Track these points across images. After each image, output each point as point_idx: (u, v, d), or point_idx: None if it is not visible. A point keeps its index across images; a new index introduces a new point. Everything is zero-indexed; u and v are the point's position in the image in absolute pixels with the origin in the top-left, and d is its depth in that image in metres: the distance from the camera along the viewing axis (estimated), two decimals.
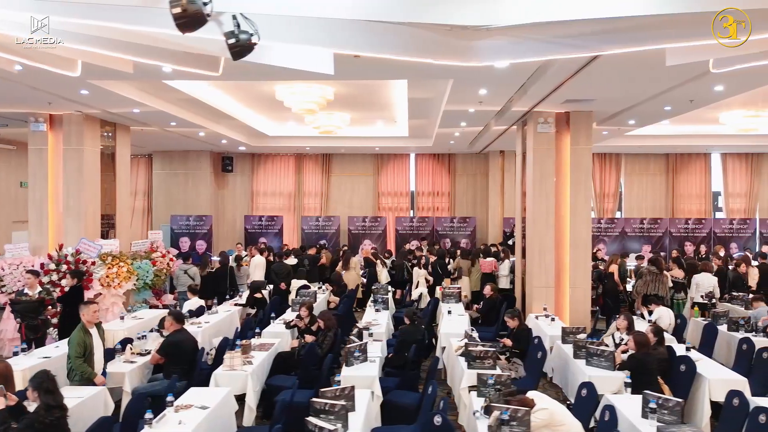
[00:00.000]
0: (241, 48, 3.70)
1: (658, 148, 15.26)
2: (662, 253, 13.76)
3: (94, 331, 5.46)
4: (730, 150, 15.55)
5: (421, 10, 4.24)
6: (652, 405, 4.32)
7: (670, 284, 9.59)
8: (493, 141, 13.28)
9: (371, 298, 9.54)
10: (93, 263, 9.03)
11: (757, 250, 13.72)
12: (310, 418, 3.86)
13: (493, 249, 12.77)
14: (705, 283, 9.34)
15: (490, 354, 5.78)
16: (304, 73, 5.51)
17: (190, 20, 3.04)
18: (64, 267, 8.71)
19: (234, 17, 3.71)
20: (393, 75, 6.75)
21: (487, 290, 9.68)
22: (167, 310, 7.40)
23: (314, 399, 4.26)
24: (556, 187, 9.04)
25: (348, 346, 5.92)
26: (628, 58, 5.37)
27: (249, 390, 5.60)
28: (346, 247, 14.27)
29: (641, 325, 7.86)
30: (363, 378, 5.58)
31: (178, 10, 2.95)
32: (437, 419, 4.06)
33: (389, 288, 11.17)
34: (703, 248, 13.70)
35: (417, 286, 11.64)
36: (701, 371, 5.68)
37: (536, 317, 8.50)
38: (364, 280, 12.42)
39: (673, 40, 4.38)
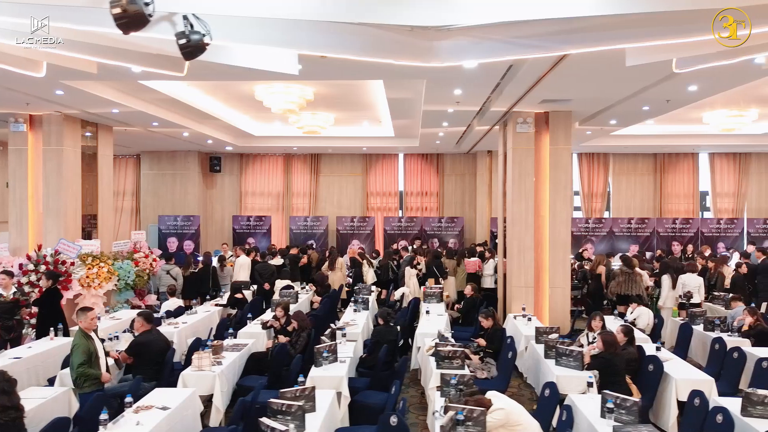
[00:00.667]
0: (192, 48, 3.70)
1: (646, 148, 15.27)
2: (649, 253, 13.77)
3: (93, 335, 5.48)
4: (717, 150, 15.57)
5: (382, 10, 4.24)
6: (610, 405, 4.33)
7: (650, 283, 9.61)
8: (479, 141, 13.29)
9: (352, 298, 9.53)
10: (72, 264, 9.02)
11: (743, 249, 13.73)
12: (264, 419, 3.86)
13: (479, 249, 12.78)
14: (691, 282, 9.38)
15: (458, 354, 5.78)
16: (269, 74, 5.51)
17: (131, 21, 3.03)
18: (43, 267, 8.70)
19: (185, 18, 3.71)
20: (360, 75, 6.75)
21: (468, 290, 9.69)
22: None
23: (271, 400, 4.25)
24: (535, 187, 9.05)
25: (317, 346, 5.92)
26: (595, 59, 5.37)
27: (216, 390, 5.59)
28: (334, 248, 14.27)
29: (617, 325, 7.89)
30: (331, 378, 5.58)
31: (117, 10, 2.95)
32: (393, 420, 4.06)
33: (372, 288, 11.18)
34: (689, 248, 13.69)
35: (405, 286, 11.64)
36: (669, 371, 5.68)
37: (514, 317, 8.51)
38: (350, 280, 12.42)
39: (632, 40, 4.38)
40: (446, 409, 4.21)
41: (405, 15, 4.26)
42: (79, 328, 5.44)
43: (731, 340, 7.16)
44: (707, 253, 12.80)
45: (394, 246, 14.54)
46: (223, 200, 16.72)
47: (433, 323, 8.09)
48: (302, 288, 11.23)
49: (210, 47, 5.01)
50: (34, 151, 9.62)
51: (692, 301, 9.32)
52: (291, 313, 7.36)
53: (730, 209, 15.91)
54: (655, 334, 8.13)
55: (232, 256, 12.85)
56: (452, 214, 16.32)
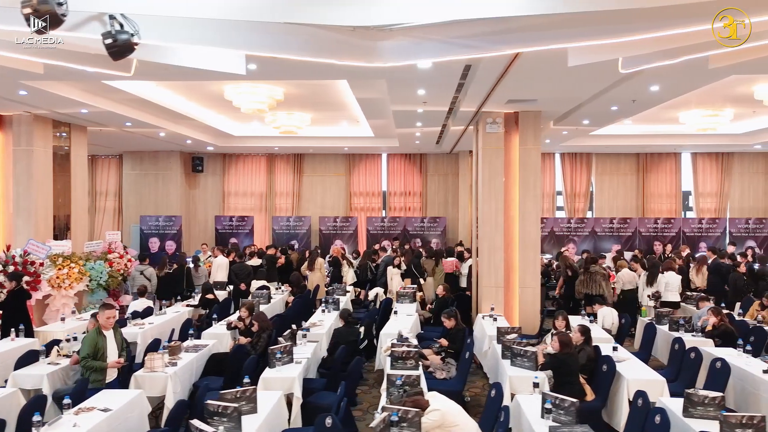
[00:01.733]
0: (119, 48, 3.68)
1: (629, 148, 15.27)
2: (629, 253, 13.75)
3: (110, 334, 5.44)
4: (700, 150, 15.58)
5: (324, 11, 4.23)
6: (548, 405, 4.32)
7: (624, 284, 9.61)
8: (458, 141, 13.28)
9: (322, 299, 9.52)
10: (41, 264, 8.99)
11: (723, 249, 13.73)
12: (194, 421, 3.84)
13: (458, 249, 12.77)
14: (674, 282, 9.41)
15: (412, 354, 5.77)
16: (217, 74, 5.49)
17: (43, 20, 3.01)
18: (11, 268, 8.66)
19: (113, 17, 3.69)
20: (311, 75, 6.72)
21: (440, 290, 9.68)
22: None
23: (208, 401, 4.24)
24: (505, 187, 9.03)
25: (271, 348, 5.90)
26: (544, 59, 5.36)
27: (168, 392, 5.58)
28: (317, 248, 14.24)
29: (594, 327, 7.87)
30: (283, 379, 5.57)
31: (28, 10, 2.93)
32: (327, 421, 4.04)
33: (348, 288, 11.17)
34: (668, 248, 13.69)
35: (382, 287, 11.62)
36: (622, 371, 5.67)
37: (483, 317, 8.50)
38: (329, 280, 12.40)
39: (573, 39, 4.37)
40: (383, 410, 4.19)
41: (347, 15, 4.25)
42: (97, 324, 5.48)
43: (694, 341, 7.16)
44: (685, 253, 12.80)
45: (376, 246, 14.52)
46: (206, 200, 16.69)
47: (400, 323, 8.07)
48: (277, 288, 11.21)
49: (157, 48, 5.01)
50: (4, 152, 9.59)
51: (670, 299, 9.37)
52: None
53: (712, 209, 15.92)
54: (622, 334, 8.15)
55: (210, 256, 12.84)
56: (435, 214, 16.32)
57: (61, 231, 10.47)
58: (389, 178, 16.65)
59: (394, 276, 11.45)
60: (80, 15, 3.88)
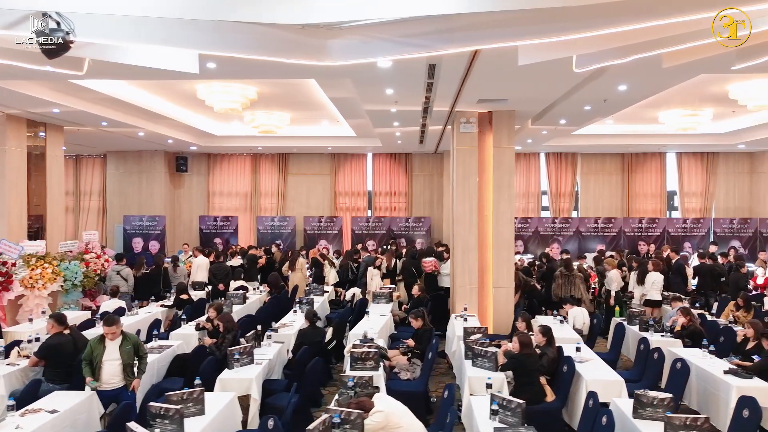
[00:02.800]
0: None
1: (614, 148, 15.24)
2: (609, 253, 13.72)
3: (113, 344, 5.15)
4: (685, 149, 15.55)
5: (271, 9, 4.20)
6: (494, 407, 4.28)
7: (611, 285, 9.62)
8: (440, 140, 13.24)
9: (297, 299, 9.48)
10: (13, 264, 8.95)
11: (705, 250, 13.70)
12: (130, 423, 3.80)
13: (439, 249, 12.73)
14: (659, 281, 9.42)
15: (371, 355, 5.73)
16: (170, 73, 5.45)
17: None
18: None
19: (46, 15, 3.66)
20: (273, 74, 6.67)
21: (415, 290, 9.67)
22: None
23: (151, 403, 4.20)
24: (479, 187, 9.00)
25: (230, 348, 5.86)
26: (501, 58, 5.32)
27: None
28: (301, 248, 14.21)
29: (559, 327, 7.85)
30: (240, 381, 5.53)
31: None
32: (270, 423, 4.01)
33: (326, 289, 11.13)
34: (652, 248, 13.66)
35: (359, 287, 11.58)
36: (583, 372, 5.65)
37: (455, 317, 8.47)
38: (310, 281, 12.36)
39: (523, 37, 4.33)
40: (326, 412, 4.16)
41: (296, 13, 4.21)
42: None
43: (663, 341, 7.15)
44: (666, 253, 12.77)
45: (358, 246, 14.49)
46: (191, 200, 16.64)
47: (371, 324, 8.04)
48: (254, 289, 11.17)
49: (110, 47, 4.97)
50: None
51: (654, 298, 9.38)
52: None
53: (697, 209, 15.90)
54: (593, 334, 8.12)
55: (191, 256, 12.79)
56: (421, 214, 16.28)
57: (36, 231, 10.42)
58: (374, 177, 16.61)
59: (374, 276, 11.41)
60: (18, 13, 3.85)
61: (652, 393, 4.46)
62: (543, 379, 5.74)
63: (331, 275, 12.46)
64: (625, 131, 13.59)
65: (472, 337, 6.49)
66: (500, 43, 4.28)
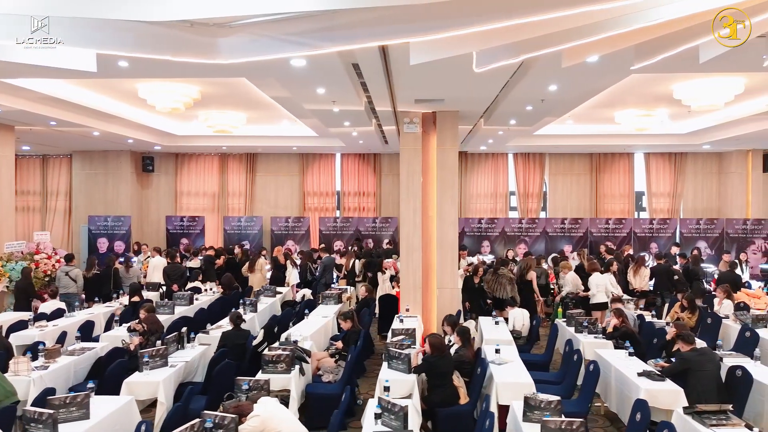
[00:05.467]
0: None
1: (582, 148, 15.19)
2: (573, 254, 13.70)
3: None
4: (653, 149, 15.51)
5: (156, 5, 4.13)
6: (377, 410, 4.22)
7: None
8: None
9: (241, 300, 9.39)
10: None
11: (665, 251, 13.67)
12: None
13: None
14: (600, 283, 9.38)
15: (282, 358, 5.67)
16: (67, 71, 5.37)
17: None
18: None
19: None
20: (188, 73, 6.62)
21: (362, 291, 9.61)
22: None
23: (27, 408, 4.13)
24: (423, 187, 8.94)
25: (141, 351, 5.79)
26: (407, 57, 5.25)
27: (30, 396, 5.45)
28: (263, 249, 14.13)
29: (493, 328, 7.81)
30: (147, 384, 5.47)
31: None
32: (142, 428, 3.94)
33: (278, 289, 11.07)
34: (601, 248, 13.49)
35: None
36: (497, 374, 5.59)
37: (397, 318, 8.39)
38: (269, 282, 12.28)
39: (412, 34, 4.25)
40: (201, 416, 4.08)
41: (183, 10, 4.14)
42: None
43: (595, 342, 7.11)
44: (626, 253, 12.75)
45: (318, 246, 14.44)
46: (159, 200, 16.54)
47: (307, 326, 7.98)
48: (208, 290, 11.09)
49: (8, 47, 4.87)
50: None
51: (599, 300, 9.33)
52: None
53: (666, 209, 15.87)
54: (532, 335, 8.08)
55: (148, 257, 12.72)
56: (389, 214, 16.21)
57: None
58: (343, 177, 16.53)
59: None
60: None
61: (541, 396, 4.41)
62: (458, 381, 5.70)
63: (292, 276, 12.39)
64: (592, 131, 13.52)
65: (394, 339, 6.43)
66: (383, 40, 4.22)
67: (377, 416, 4.21)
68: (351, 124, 10.47)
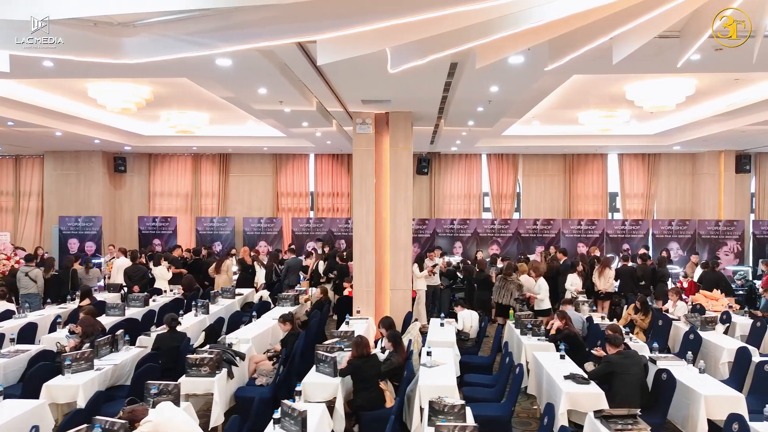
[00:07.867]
0: None
1: (555, 149, 15.13)
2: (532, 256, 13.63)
3: None
4: (626, 150, 15.48)
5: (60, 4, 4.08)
6: (276, 415, 4.17)
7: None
8: None
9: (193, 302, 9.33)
10: None
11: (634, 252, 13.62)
12: None
13: None
14: (544, 287, 9.33)
15: (206, 361, 5.61)
16: None
17: None
18: None
19: None
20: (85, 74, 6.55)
21: (316, 293, 9.56)
22: None
23: None
24: (377, 189, 8.89)
25: (63, 354, 5.73)
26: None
27: None
28: (231, 250, 14.07)
29: (438, 329, 7.76)
30: (67, 387, 5.40)
31: None
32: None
33: (236, 291, 11.00)
34: (552, 249, 13.41)
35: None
36: (421, 378, 5.55)
37: (347, 321, 8.35)
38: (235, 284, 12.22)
39: (319, 31, 4.19)
40: (93, 421, 4.02)
41: (84, 8, 4.10)
42: None
43: (537, 345, 7.08)
44: (595, 254, 12.70)
45: (284, 248, 14.39)
46: (132, 201, 16.47)
47: (254, 328, 7.92)
48: (169, 291, 11.03)
49: None
50: None
51: (543, 307, 9.28)
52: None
53: (639, 210, 15.84)
54: (480, 336, 8.04)
55: (113, 258, 12.64)
56: None
57: None
58: (317, 178, 16.48)
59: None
60: None
61: (448, 400, 4.36)
62: (384, 385, 5.65)
63: (260, 276, 12.33)
64: (562, 132, 13.47)
65: (326, 342, 6.38)
66: (277, 40, 4.17)
67: (276, 421, 4.15)
68: (310, 125, 10.42)
